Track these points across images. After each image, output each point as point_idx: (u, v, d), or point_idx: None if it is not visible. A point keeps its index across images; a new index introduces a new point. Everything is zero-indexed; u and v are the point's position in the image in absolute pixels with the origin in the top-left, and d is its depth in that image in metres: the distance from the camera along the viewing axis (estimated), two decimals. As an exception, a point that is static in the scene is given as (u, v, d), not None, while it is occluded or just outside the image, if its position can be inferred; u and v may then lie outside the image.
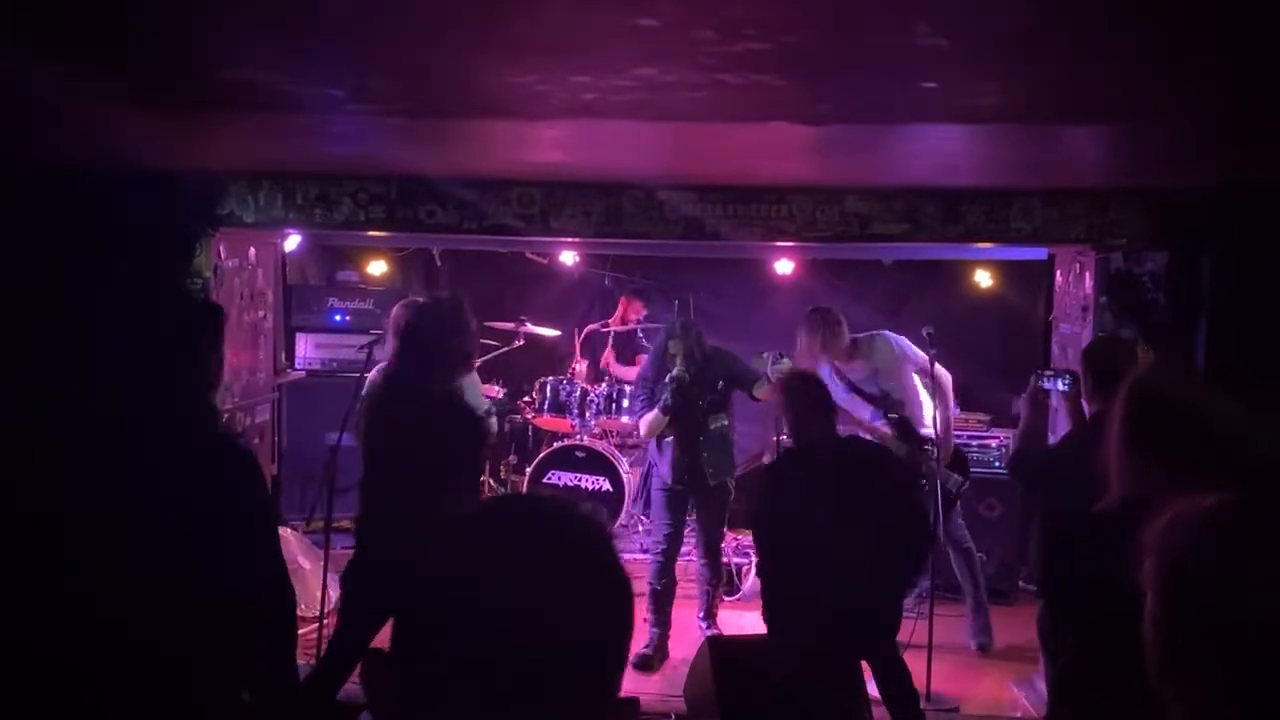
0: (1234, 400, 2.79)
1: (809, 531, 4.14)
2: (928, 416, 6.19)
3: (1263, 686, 1.34)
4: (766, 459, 8.11)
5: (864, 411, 6.18)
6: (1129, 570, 1.48)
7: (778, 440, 6.42)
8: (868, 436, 6.03)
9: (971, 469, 6.87)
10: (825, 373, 6.30)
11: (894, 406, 6.10)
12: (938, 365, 6.10)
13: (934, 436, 6.07)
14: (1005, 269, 8.05)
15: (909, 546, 4.56)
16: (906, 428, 6.02)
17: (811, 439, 4.54)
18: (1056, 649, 4.33)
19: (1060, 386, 4.83)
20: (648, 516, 6.52)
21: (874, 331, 6.29)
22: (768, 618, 4.40)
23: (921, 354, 6.10)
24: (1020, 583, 7.05)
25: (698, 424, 6.08)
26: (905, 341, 6.23)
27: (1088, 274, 5.85)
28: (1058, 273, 6.40)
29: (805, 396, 4.66)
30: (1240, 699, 1.35)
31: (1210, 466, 2.50)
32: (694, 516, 6.37)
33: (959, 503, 6.18)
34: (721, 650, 4.51)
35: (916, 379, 6.23)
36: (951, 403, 6.30)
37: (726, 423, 6.26)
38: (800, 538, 4.17)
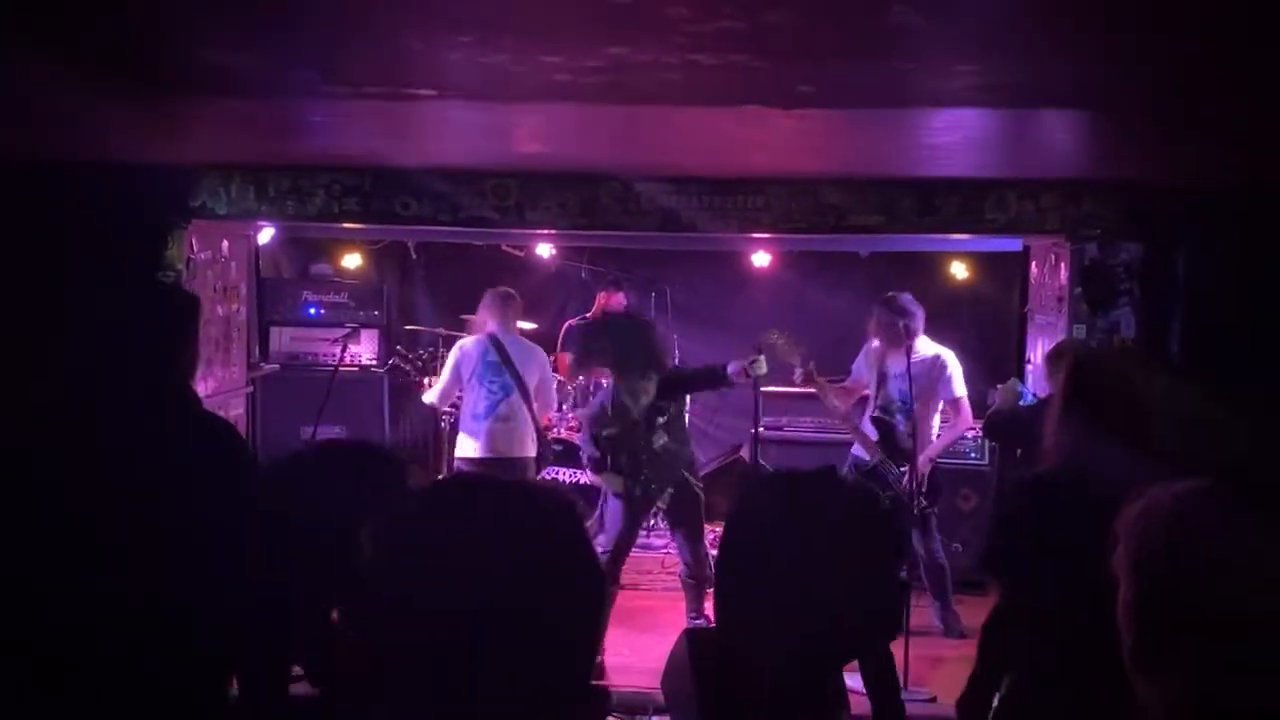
0: (1181, 382, 2.90)
1: (780, 568, 4.08)
2: (926, 437, 6.14)
3: (1235, 673, 1.34)
4: (745, 452, 8.12)
5: (867, 389, 6.18)
6: (1075, 539, 1.49)
7: (755, 434, 6.41)
8: (849, 431, 6.08)
9: (947, 460, 6.90)
10: (868, 347, 6.29)
11: (897, 409, 6.08)
12: (965, 408, 6.10)
13: (916, 454, 6.02)
14: (981, 261, 8.08)
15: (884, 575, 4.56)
16: (890, 434, 6.00)
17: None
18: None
19: (1028, 399, 5.06)
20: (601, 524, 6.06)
21: (943, 349, 6.15)
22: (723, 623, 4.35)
23: (961, 392, 6.07)
24: (996, 573, 7.07)
25: (639, 442, 5.74)
26: (959, 372, 6.13)
27: (1063, 265, 5.87)
28: (1033, 264, 6.42)
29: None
30: (1213, 686, 1.35)
31: (1146, 439, 2.59)
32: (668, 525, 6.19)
33: (934, 520, 6.20)
34: (699, 642, 4.49)
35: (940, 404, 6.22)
36: (956, 436, 6.31)
37: (667, 438, 5.81)
38: (770, 572, 4.11)
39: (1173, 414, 2.72)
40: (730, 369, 5.65)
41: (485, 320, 6.42)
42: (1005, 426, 5.32)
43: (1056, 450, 2.88)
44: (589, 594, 1.17)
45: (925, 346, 6.06)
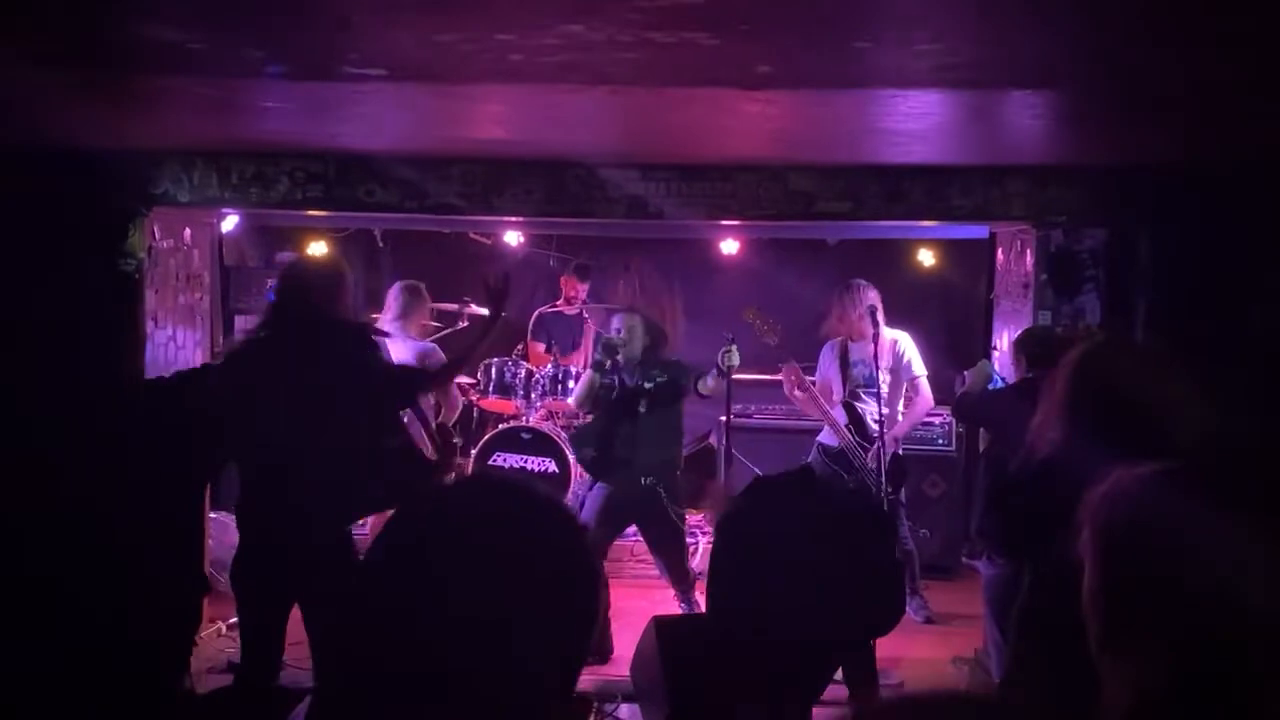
0: (1175, 377, 2.85)
1: (771, 580, 4.06)
2: (892, 418, 6.17)
3: (1201, 659, 1.34)
4: (713, 440, 8.12)
5: (834, 392, 6.17)
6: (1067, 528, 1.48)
7: (725, 421, 6.40)
8: (819, 417, 6.08)
9: (915, 446, 6.94)
10: (827, 347, 6.30)
11: (864, 391, 6.10)
12: (924, 388, 6.16)
13: (881, 437, 6.05)
14: (948, 248, 8.11)
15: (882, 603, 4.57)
16: (858, 418, 6.02)
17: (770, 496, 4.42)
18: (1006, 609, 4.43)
19: (996, 385, 5.08)
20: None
21: (899, 332, 6.20)
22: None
23: (920, 371, 6.14)
24: (963, 559, 7.13)
25: (632, 413, 5.72)
26: (916, 354, 6.19)
27: (1028, 252, 5.90)
28: (999, 251, 6.45)
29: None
30: (1179, 671, 1.34)
31: (1150, 442, 2.55)
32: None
33: (901, 510, 6.24)
34: (668, 630, 4.49)
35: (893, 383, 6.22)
36: (918, 417, 6.34)
37: (662, 422, 5.80)
38: (762, 583, 4.08)
39: (1175, 406, 2.69)
40: (709, 383, 5.65)
41: (387, 315, 6.21)
42: (973, 409, 5.36)
43: (1055, 440, 2.82)
44: (585, 606, 1.16)
45: (884, 331, 6.10)
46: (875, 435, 5.90)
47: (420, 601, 1.07)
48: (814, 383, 6.21)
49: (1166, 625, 1.35)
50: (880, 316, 5.97)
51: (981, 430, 6.15)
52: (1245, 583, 1.32)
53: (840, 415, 6.05)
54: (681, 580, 5.92)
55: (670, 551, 5.87)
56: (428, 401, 5.94)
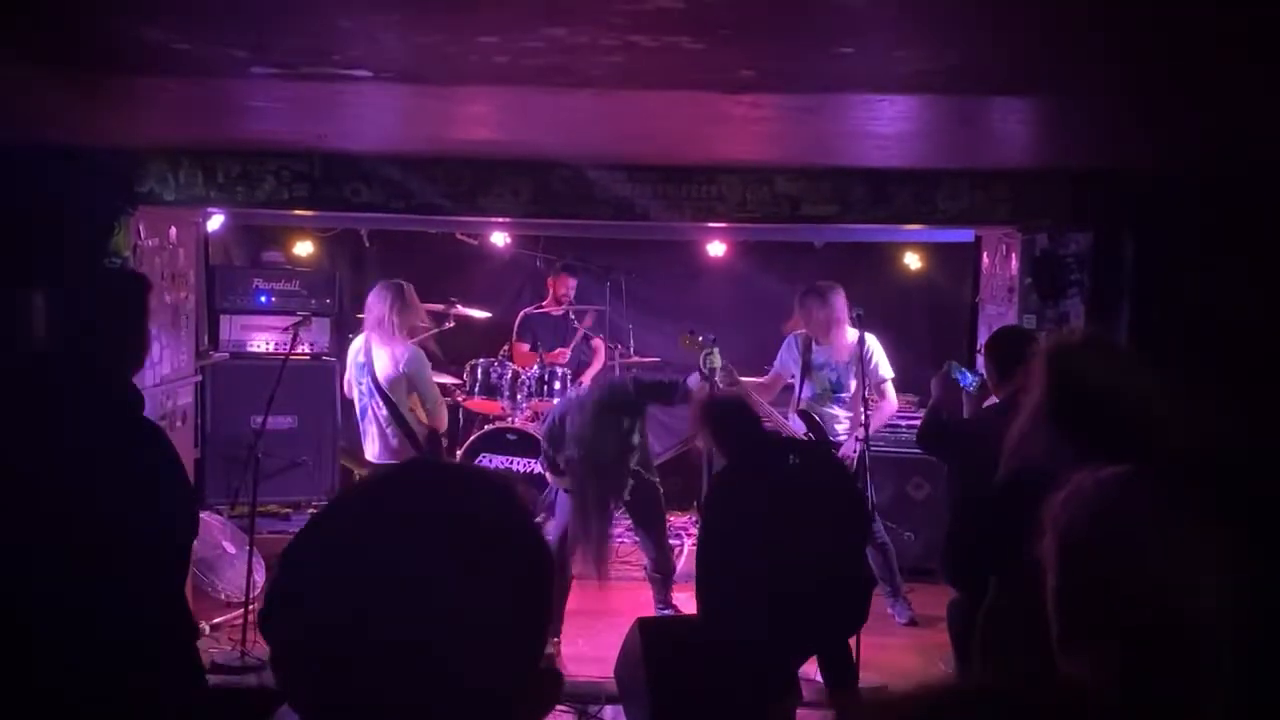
0: (1154, 377, 2.85)
1: (758, 548, 4.06)
2: (856, 421, 6.20)
3: (1159, 658, 1.35)
4: (699, 442, 8.12)
5: (793, 388, 6.20)
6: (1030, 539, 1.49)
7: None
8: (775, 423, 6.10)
9: (899, 449, 6.96)
10: (790, 340, 6.33)
11: (831, 398, 6.14)
12: (889, 393, 6.22)
13: (842, 441, 6.08)
14: (934, 252, 8.14)
15: (856, 542, 4.59)
16: (817, 425, 6.03)
17: (749, 457, 4.42)
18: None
19: (966, 384, 4.89)
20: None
21: (867, 334, 6.15)
22: (705, 615, 4.30)
23: (888, 374, 6.18)
24: (948, 560, 7.14)
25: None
26: (883, 355, 6.22)
27: (1013, 255, 5.93)
28: (984, 255, 6.48)
29: (733, 424, 4.55)
30: (1137, 671, 1.36)
31: (1128, 442, 2.54)
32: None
33: (873, 505, 6.26)
34: (651, 631, 4.50)
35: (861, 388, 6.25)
36: (887, 415, 6.39)
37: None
38: (749, 554, 4.09)
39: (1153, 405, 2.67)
40: (691, 382, 5.66)
41: (370, 316, 5.94)
42: (936, 442, 4.94)
43: (1033, 448, 2.80)
44: (529, 573, 1.16)
45: (849, 333, 6.12)
46: (838, 438, 5.95)
47: (370, 584, 1.07)
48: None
49: (1119, 624, 1.36)
50: (845, 315, 6.05)
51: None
52: (1195, 584, 1.34)
53: (798, 425, 6.05)
54: (659, 550, 5.97)
55: (649, 517, 5.92)
56: (418, 414, 5.92)
